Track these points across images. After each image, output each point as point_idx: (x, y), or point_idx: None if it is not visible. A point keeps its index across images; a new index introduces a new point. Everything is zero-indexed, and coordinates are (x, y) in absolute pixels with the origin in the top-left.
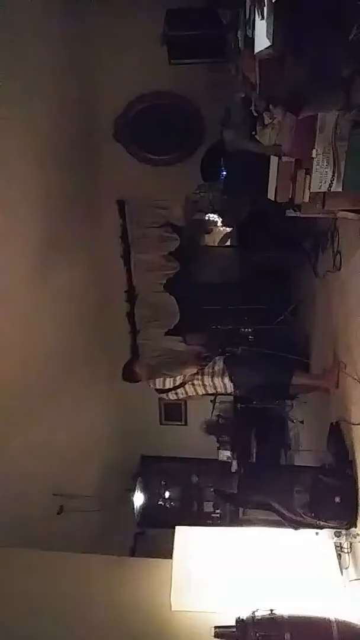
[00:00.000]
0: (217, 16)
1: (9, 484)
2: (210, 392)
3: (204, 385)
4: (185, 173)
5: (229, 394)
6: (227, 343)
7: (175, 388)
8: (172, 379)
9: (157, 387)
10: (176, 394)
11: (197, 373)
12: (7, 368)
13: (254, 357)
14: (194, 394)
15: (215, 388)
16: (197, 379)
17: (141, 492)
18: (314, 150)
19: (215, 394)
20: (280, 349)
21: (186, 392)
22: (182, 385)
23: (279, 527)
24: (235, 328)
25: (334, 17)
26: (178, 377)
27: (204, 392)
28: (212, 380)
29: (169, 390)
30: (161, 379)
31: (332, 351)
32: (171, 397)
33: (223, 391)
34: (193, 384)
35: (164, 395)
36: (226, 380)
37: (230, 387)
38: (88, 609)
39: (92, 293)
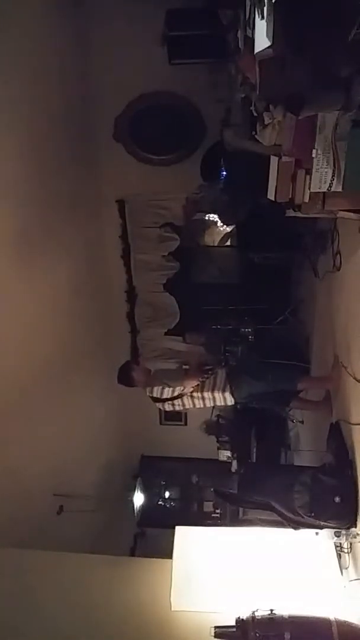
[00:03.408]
0: (217, 16)
1: (9, 484)
2: (208, 405)
3: (203, 399)
4: (185, 173)
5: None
6: (228, 343)
7: (172, 399)
8: (171, 389)
9: (155, 395)
10: (172, 404)
11: (197, 385)
12: (7, 369)
13: (256, 367)
14: (191, 406)
15: (214, 401)
16: (197, 392)
17: (141, 492)
18: (314, 150)
19: (214, 407)
20: (281, 354)
21: (183, 404)
22: (179, 396)
23: (279, 527)
24: (235, 328)
25: (333, 17)
26: (177, 388)
27: (201, 406)
28: (212, 394)
29: (166, 400)
30: (159, 387)
31: (333, 351)
32: (167, 408)
33: (222, 404)
34: (192, 397)
35: (159, 405)
36: (227, 394)
37: (230, 400)
38: (88, 609)
39: (91, 293)
